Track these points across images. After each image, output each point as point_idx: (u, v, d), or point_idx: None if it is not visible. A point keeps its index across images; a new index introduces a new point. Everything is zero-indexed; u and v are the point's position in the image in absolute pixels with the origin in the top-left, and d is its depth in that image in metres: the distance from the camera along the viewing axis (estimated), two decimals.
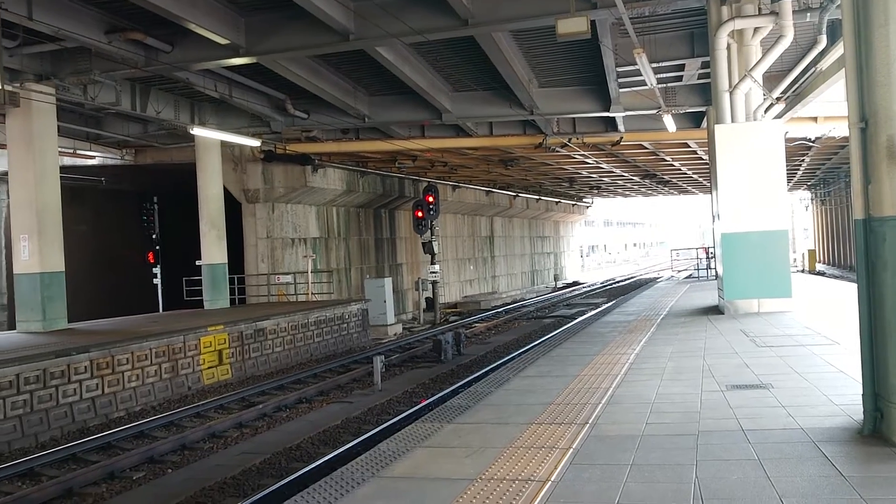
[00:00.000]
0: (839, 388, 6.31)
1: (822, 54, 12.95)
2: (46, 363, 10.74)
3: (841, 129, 19.60)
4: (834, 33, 12.55)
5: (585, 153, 25.07)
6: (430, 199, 25.52)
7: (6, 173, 15.74)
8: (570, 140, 21.29)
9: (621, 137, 20.90)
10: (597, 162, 28.40)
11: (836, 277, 31.35)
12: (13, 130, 14.66)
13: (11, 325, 17.82)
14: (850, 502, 3.78)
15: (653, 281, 39.58)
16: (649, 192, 48.16)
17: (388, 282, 23.00)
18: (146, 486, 8.53)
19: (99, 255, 24.48)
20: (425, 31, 11.89)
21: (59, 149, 16.06)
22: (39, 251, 14.48)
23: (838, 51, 11.62)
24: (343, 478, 4.74)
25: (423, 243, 26.43)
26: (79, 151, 20.04)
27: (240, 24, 12.66)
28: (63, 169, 16.29)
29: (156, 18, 11.69)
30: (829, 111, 18.60)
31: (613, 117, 19.18)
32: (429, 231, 25.80)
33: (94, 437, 10.12)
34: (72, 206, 19.61)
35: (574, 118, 20.45)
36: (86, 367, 11.38)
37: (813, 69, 13.87)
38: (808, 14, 12.30)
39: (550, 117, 19.27)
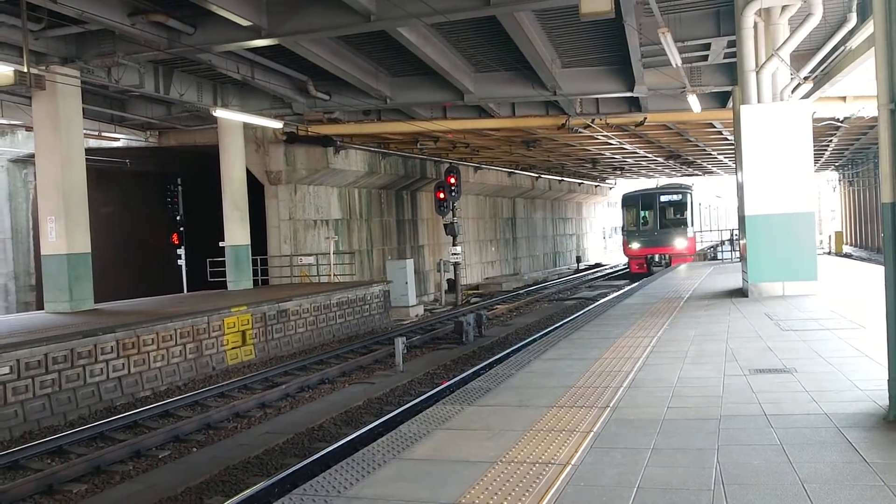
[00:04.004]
0: (864, 373, 6.23)
1: (852, 33, 12.69)
2: (74, 343, 10.92)
3: (871, 109, 19.20)
4: (864, 11, 12.27)
5: (609, 134, 24.85)
6: (452, 180, 25.46)
7: (33, 156, 15.93)
8: (593, 121, 21.11)
9: (645, 118, 20.68)
10: (620, 143, 28.15)
11: (863, 260, 30.92)
12: (39, 113, 14.84)
13: (39, 306, 18.12)
14: (873, 489, 3.74)
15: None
16: (673, 173, 47.67)
17: (409, 263, 23.06)
18: (171, 465, 8.68)
19: (124, 236, 24.77)
20: (447, 11, 11.79)
21: (85, 131, 16.21)
22: (66, 233, 14.67)
23: (868, 29, 11.37)
24: (365, 458, 4.78)
25: (444, 225, 26.43)
26: (104, 133, 20.22)
27: (261, 6, 12.65)
28: (88, 151, 16.44)
29: (178, 0, 11.71)
30: (858, 90, 18.24)
31: (637, 98, 18.95)
32: (450, 212, 25.77)
33: (121, 416, 10.31)
34: (97, 187, 19.84)
35: (597, 98, 20.24)
36: (112, 347, 11.57)
37: (842, 48, 13.59)
38: None
39: (573, 98, 19.08)
